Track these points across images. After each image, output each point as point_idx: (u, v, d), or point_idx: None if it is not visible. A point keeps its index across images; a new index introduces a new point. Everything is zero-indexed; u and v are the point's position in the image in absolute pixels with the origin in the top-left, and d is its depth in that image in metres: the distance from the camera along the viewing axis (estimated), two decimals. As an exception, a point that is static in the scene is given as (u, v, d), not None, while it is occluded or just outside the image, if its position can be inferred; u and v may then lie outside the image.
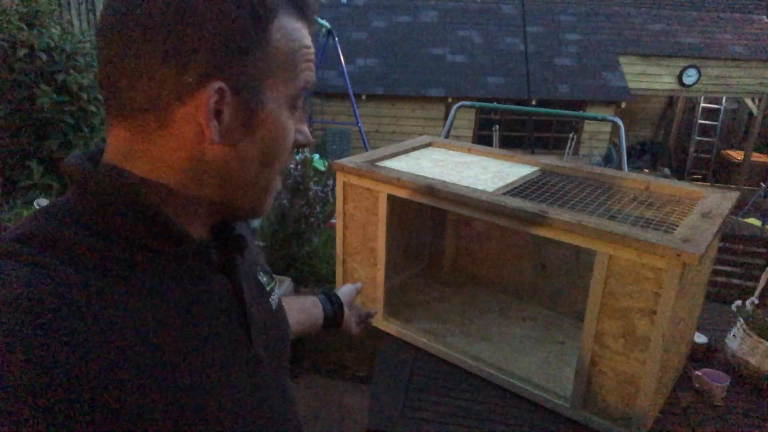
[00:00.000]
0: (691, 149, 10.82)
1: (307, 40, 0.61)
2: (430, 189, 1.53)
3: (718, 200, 1.48)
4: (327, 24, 6.28)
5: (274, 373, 0.69)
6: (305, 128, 0.65)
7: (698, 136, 10.73)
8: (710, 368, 1.61)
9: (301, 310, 1.09)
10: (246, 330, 0.63)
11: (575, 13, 9.75)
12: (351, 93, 6.69)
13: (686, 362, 1.68)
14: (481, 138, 8.51)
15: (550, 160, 1.85)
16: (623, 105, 8.51)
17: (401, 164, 1.76)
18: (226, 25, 0.53)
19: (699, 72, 9.13)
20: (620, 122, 3.08)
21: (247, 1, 0.54)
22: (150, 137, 0.54)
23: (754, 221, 6.14)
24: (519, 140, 8.16)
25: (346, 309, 1.18)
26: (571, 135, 3.46)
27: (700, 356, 1.70)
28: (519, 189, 1.57)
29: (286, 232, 2.72)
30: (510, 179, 1.66)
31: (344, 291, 1.22)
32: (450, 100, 8.35)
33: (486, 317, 1.88)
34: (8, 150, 3.82)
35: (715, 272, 2.66)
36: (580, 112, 4.76)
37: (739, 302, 1.66)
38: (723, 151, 10.95)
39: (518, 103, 7.73)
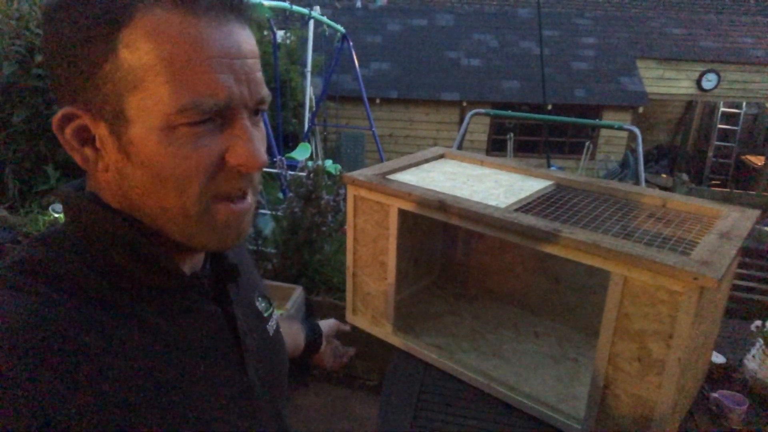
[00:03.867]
0: (710, 154, 10.66)
1: (207, 38, 0.50)
2: (441, 204, 1.51)
3: (737, 219, 1.44)
4: (341, 28, 6.27)
5: (270, 401, 0.69)
6: (241, 146, 0.53)
7: (717, 141, 10.57)
8: (727, 389, 1.57)
9: (287, 333, 1.08)
10: (240, 360, 0.63)
11: (592, 17, 9.66)
12: (365, 97, 6.68)
13: (703, 383, 1.64)
14: (496, 143, 8.47)
15: (564, 175, 1.81)
16: (640, 110, 8.41)
17: (413, 177, 1.75)
18: (72, 39, 0.48)
19: (718, 76, 9.01)
20: (638, 131, 3.04)
21: (94, 7, 0.48)
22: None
23: (774, 230, 6.01)
24: (534, 145, 8.11)
25: (324, 341, 1.19)
26: (587, 144, 3.41)
27: (717, 376, 1.66)
28: (532, 205, 1.54)
29: (297, 241, 2.71)
30: (523, 194, 1.63)
31: (326, 323, 1.24)
32: (464, 104, 8.31)
33: (498, 332, 1.85)
34: (25, 155, 3.86)
35: (735, 287, 2.60)
36: (597, 120, 4.70)
37: (759, 322, 1.62)
38: (743, 157, 10.78)
39: (534, 107, 7.68)
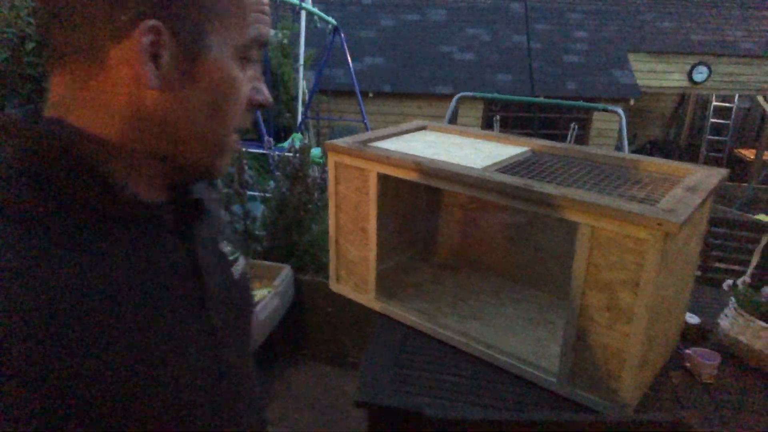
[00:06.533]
0: (703, 148, 10.72)
1: None
2: (418, 165, 1.54)
3: (705, 176, 1.48)
4: (333, 21, 6.30)
5: (234, 346, 0.65)
6: (263, 87, 0.61)
7: (710, 135, 10.63)
8: (702, 348, 1.61)
9: None
10: (202, 301, 0.60)
11: (584, 11, 9.71)
12: (357, 90, 6.71)
13: (678, 342, 1.68)
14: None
15: (543, 142, 1.85)
16: (632, 102, 8.46)
17: (393, 145, 1.78)
18: None
19: (709, 69, 9.06)
20: (621, 112, 3.08)
21: None
22: (87, 84, 0.50)
23: (763, 217, 6.07)
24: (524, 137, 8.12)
25: None
26: (572, 125, 3.46)
27: (692, 337, 1.70)
28: (508, 167, 1.58)
29: (285, 221, 2.74)
30: (500, 158, 1.66)
31: None
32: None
33: (479, 298, 1.89)
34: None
35: (718, 258, 2.64)
36: (580, 102, 4.74)
37: (730, 281, 1.65)
38: (735, 150, 10.84)
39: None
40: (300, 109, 6.78)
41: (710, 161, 10.75)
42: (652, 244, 1.19)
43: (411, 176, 1.58)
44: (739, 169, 10.56)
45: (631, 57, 8.97)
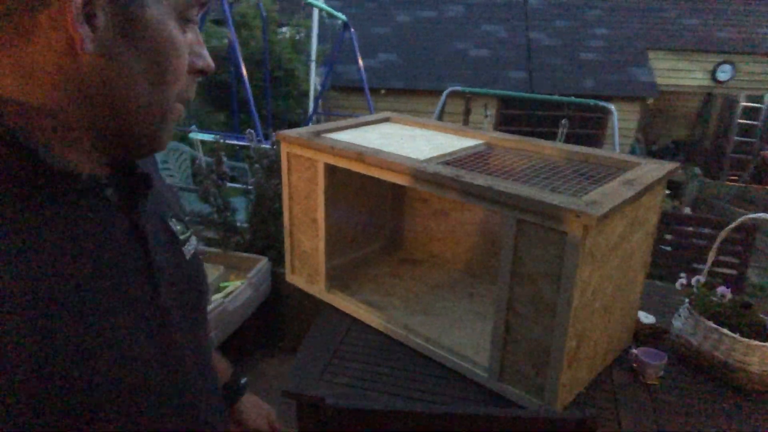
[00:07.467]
0: (729, 149, 10.39)
1: None
2: (359, 156, 1.53)
3: (649, 169, 1.43)
4: (343, 16, 6.30)
5: (187, 328, 0.62)
6: (204, 51, 0.57)
7: (737, 136, 10.29)
8: (653, 348, 1.56)
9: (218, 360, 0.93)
10: (150, 277, 0.56)
11: (603, 8, 9.52)
12: (366, 87, 6.70)
13: (630, 342, 1.63)
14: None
15: (500, 135, 1.81)
16: (650, 101, 8.27)
17: (346, 136, 1.76)
18: None
19: (734, 68, 8.79)
20: (612, 108, 3.01)
21: None
22: (12, 49, 0.45)
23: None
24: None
25: (252, 407, 0.97)
26: (562, 121, 3.38)
27: (644, 336, 1.65)
28: (452, 159, 1.55)
29: (263, 213, 2.75)
30: (448, 150, 1.64)
31: (263, 406, 1.00)
32: (469, 95, 8.28)
33: (434, 293, 1.86)
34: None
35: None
36: (572, 98, 4.65)
37: (683, 280, 1.60)
38: (764, 153, 10.47)
39: (547, 100, 7.59)
40: (312, 105, 6.81)
41: (736, 163, 10.42)
42: (572, 237, 1.16)
43: (353, 166, 1.57)
44: (765, 171, 10.22)
45: (651, 55, 8.76)
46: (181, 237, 0.65)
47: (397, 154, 1.53)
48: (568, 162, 1.59)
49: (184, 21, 0.53)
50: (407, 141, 1.75)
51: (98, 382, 0.47)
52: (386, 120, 2.05)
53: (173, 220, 0.65)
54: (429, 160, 1.51)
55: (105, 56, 0.47)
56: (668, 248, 2.77)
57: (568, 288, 1.19)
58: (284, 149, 1.75)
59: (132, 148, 0.55)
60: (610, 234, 1.27)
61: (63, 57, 0.46)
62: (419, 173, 1.40)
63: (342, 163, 1.59)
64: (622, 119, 8.38)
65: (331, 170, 1.66)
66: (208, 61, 0.57)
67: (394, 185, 2.08)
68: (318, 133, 1.75)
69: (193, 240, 0.69)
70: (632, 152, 8.00)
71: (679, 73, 8.89)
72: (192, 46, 0.55)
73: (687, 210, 4.79)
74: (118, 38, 0.48)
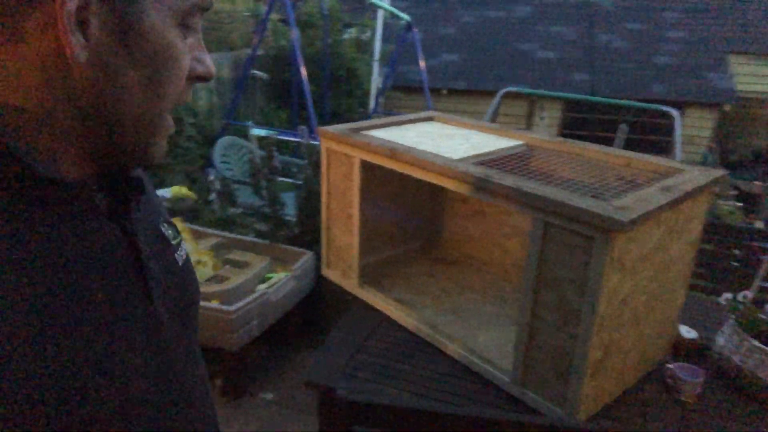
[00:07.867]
0: (815, 162, 9.67)
1: None
2: (392, 152, 1.54)
3: (691, 176, 1.36)
4: (406, 17, 6.31)
5: (180, 336, 0.60)
6: (205, 56, 0.54)
7: (826, 147, 9.56)
8: (692, 364, 1.48)
9: None
10: (143, 286, 0.54)
11: (681, 9, 9.07)
12: (426, 87, 6.69)
13: (667, 356, 1.56)
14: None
15: (542, 136, 1.78)
16: (727, 108, 7.80)
17: (385, 134, 1.78)
18: None
19: (825, 74, 8.17)
20: (675, 112, 2.88)
21: None
22: None
23: None
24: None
25: None
26: (620, 126, 3.21)
27: (684, 351, 1.57)
28: (488, 159, 1.53)
29: (311, 208, 2.80)
30: (485, 150, 1.62)
31: None
32: (533, 96, 8.09)
33: (465, 293, 1.84)
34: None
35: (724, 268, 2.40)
36: (630, 102, 4.43)
37: (729, 295, 1.51)
38: None
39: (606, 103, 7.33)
40: (373, 104, 6.87)
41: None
42: (599, 242, 1.12)
43: (385, 162, 1.58)
44: None
45: (731, 59, 8.27)
46: (173, 242, 0.63)
47: (430, 152, 1.53)
48: (610, 166, 1.53)
49: (184, 28, 0.50)
50: (445, 140, 1.74)
51: (91, 394, 0.45)
52: (429, 119, 2.04)
53: (164, 224, 0.63)
54: (463, 160, 1.50)
55: (98, 66, 0.45)
56: (737, 264, 2.62)
57: (594, 295, 1.16)
58: (324, 145, 1.79)
59: (121, 160, 0.53)
60: (643, 242, 1.22)
61: (51, 65, 0.44)
62: (450, 172, 1.40)
63: (375, 160, 1.60)
64: (694, 126, 7.96)
65: (368, 167, 1.68)
66: (209, 66, 0.54)
67: (432, 185, 2.07)
68: (357, 130, 1.77)
69: (184, 245, 0.67)
70: (704, 161, 7.58)
71: (763, 79, 8.35)
72: (194, 51, 0.53)
73: (758, 224, 4.50)
74: (114, 48, 0.45)
